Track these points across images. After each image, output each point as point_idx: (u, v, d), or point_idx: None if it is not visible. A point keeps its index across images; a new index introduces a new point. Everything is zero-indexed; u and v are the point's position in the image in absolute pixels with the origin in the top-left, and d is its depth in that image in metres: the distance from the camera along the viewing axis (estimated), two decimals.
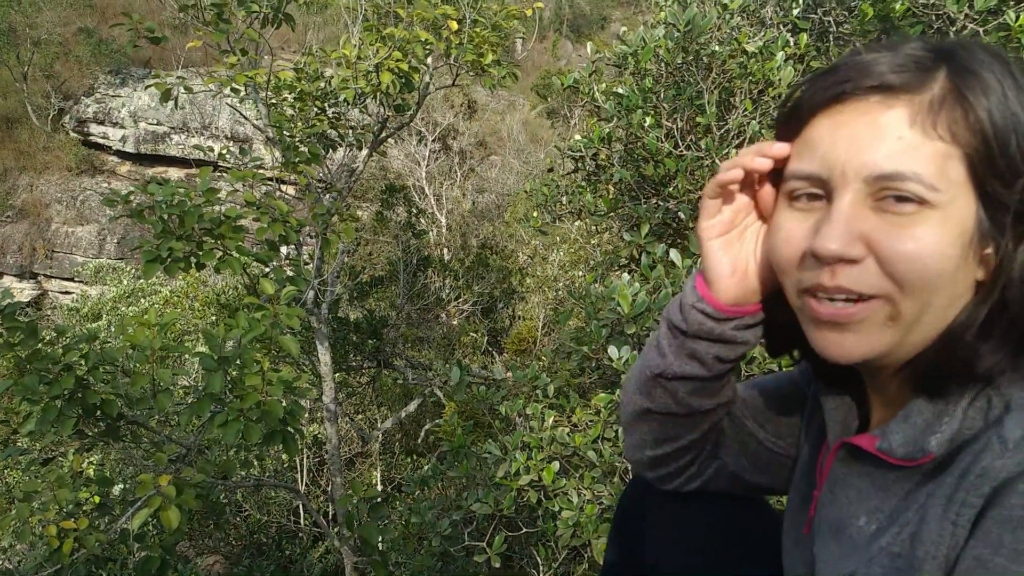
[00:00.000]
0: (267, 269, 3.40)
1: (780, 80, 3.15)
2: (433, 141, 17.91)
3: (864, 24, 3.39)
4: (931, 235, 0.66)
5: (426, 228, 13.31)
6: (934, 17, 3.17)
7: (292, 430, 2.86)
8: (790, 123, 0.76)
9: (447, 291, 10.97)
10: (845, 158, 0.69)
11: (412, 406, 8.01)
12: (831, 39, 3.57)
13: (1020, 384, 0.68)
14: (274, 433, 2.77)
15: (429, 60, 4.57)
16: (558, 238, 11.06)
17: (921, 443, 0.71)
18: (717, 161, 3.16)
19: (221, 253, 3.18)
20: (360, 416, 10.50)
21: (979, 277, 0.70)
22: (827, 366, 0.78)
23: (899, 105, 0.68)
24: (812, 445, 0.94)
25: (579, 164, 3.93)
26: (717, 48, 3.27)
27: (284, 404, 2.83)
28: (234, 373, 2.85)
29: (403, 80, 4.04)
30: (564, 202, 4.10)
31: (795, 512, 0.93)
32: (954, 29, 3.09)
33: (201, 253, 3.11)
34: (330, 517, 8.03)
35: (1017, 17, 2.81)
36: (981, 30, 2.99)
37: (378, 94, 4.10)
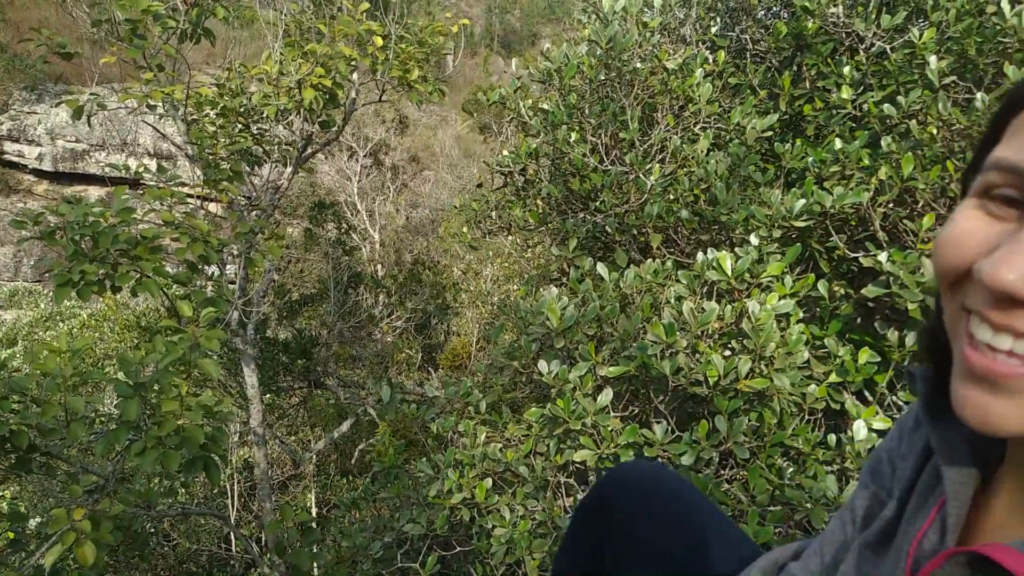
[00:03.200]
0: (187, 291, 3.30)
1: (699, 96, 3.22)
2: (365, 156, 17.77)
3: (779, 42, 3.51)
4: None
5: (358, 244, 13.17)
6: (844, 35, 3.29)
7: (215, 456, 2.77)
8: (1012, 104, 0.55)
9: (380, 308, 10.86)
10: None
11: (345, 426, 7.89)
12: (748, 56, 3.67)
13: None
14: (195, 460, 2.68)
15: (355, 76, 4.53)
16: (491, 252, 11.08)
17: None
18: (641, 176, 3.21)
19: (138, 275, 3.07)
20: (292, 438, 10.28)
21: None
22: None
23: None
24: (905, 504, 0.67)
25: (508, 179, 3.95)
26: (639, 65, 3.33)
27: (206, 429, 2.74)
28: (152, 399, 2.75)
29: (327, 96, 3.99)
30: (494, 217, 4.11)
31: None
32: (863, 46, 3.22)
33: (116, 275, 3.00)
34: (263, 544, 7.82)
35: (921, 35, 2.94)
36: (888, 47, 3.12)
37: (302, 110, 4.03)
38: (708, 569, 0.99)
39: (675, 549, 1.04)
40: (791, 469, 2.37)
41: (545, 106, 3.57)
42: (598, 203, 3.39)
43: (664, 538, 1.06)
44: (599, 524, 1.13)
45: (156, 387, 2.75)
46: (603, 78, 3.43)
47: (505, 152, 3.87)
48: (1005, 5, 2.65)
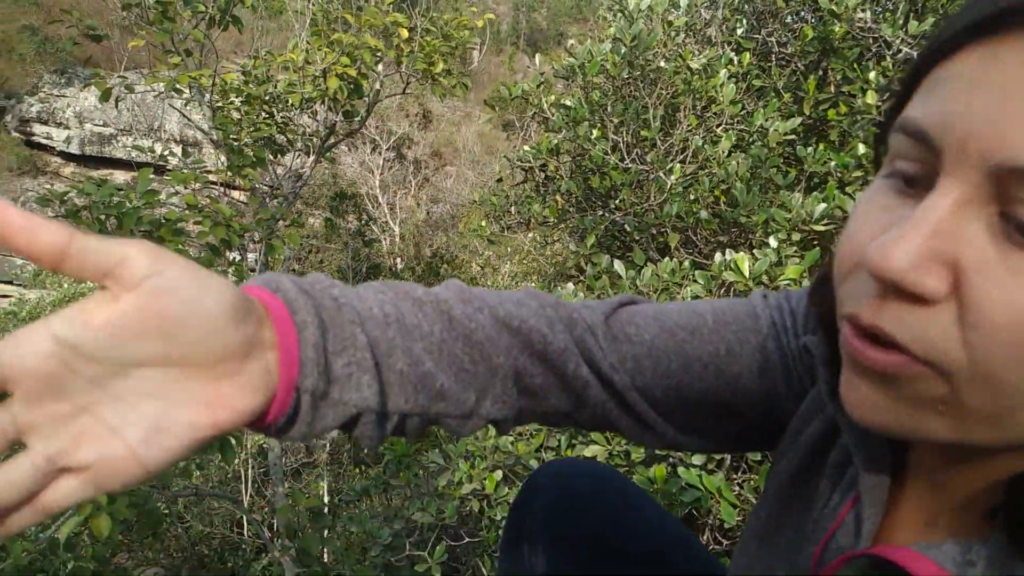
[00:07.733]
0: None
1: (723, 97, 3.22)
2: (388, 150, 17.85)
3: (805, 45, 3.49)
4: None
5: (377, 236, 13.24)
6: (871, 40, 3.27)
7: (230, 436, 2.80)
8: (929, 55, 0.43)
9: None
10: (975, 123, 0.38)
11: None
12: (774, 59, 3.66)
13: None
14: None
15: (379, 67, 4.56)
16: (510, 249, 11.09)
17: None
18: (662, 175, 3.21)
19: None
20: None
21: None
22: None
23: None
24: (804, 500, 0.60)
25: (528, 175, 3.96)
26: (663, 64, 3.32)
27: None
28: None
29: (352, 86, 4.03)
30: (513, 212, 4.13)
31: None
32: (890, 52, 3.20)
33: None
34: (275, 529, 7.89)
35: None
36: (915, 54, 3.10)
37: (326, 99, 4.07)
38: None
39: (602, 554, 0.97)
40: None
41: (567, 102, 3.58)
42: (617, 201, 3.39)
43: (585, 542, 0.99)
44: (526, 527, 1.05)
45: None
46: (626, 76, 3.43)
47: (526, 147, 3.88)
48: None
